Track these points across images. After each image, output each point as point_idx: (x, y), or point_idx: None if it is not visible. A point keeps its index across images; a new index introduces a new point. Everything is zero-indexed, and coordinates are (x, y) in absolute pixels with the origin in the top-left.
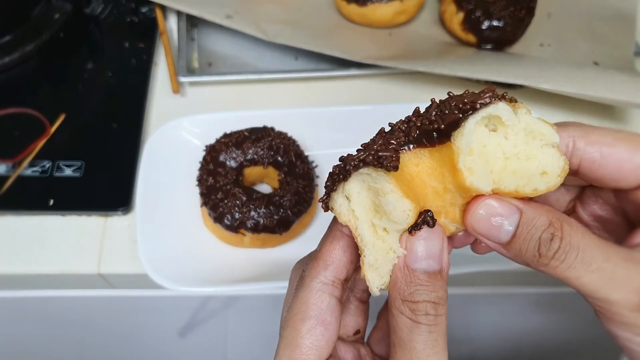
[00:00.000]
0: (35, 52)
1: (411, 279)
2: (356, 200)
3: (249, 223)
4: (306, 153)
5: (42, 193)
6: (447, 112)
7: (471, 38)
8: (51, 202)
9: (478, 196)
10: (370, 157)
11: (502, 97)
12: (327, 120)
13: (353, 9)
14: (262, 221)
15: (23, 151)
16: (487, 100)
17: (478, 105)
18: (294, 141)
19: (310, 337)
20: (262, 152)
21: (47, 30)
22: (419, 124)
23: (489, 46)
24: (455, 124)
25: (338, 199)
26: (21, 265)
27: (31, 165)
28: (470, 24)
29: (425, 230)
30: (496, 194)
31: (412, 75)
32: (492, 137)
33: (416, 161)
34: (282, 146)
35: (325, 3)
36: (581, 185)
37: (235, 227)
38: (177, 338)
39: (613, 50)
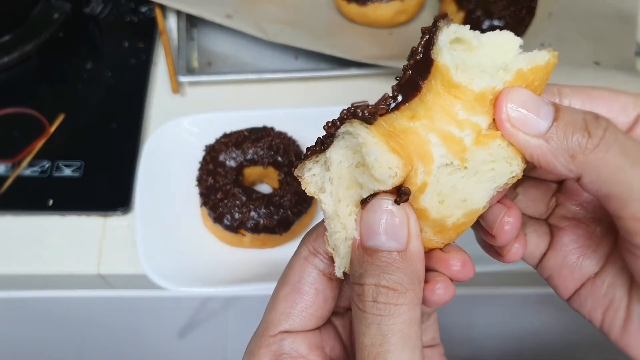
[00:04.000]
0: (34, 52)
1: (363, 257)
2: (335, 171)
3: (249, 223)
4: None
5: (42, 193)
6: (414, 48)
7: None
8: (50, 202)
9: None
10: (345, 111)
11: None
12: (327, 120)
13: (353, 9)
14: (262, 221)
15: (22, 151)
16: (442, 21)
17: (440, 24)
18: (294, 141)
19: (284, 303)
20: (262, 152)
21: (47, 30)
22: (399, 81)
23: None
24: (429, 45)
25: (313, 168)
26: (21, 265)
27: (30, 165)
28: (471, 23)
29: (384, 201)
30: None
31: None
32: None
33: (410, 113)
34: (282, 146)
35: (326, 3)
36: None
37: (235, 228)
38: (176, 339)
39: (614, 49)
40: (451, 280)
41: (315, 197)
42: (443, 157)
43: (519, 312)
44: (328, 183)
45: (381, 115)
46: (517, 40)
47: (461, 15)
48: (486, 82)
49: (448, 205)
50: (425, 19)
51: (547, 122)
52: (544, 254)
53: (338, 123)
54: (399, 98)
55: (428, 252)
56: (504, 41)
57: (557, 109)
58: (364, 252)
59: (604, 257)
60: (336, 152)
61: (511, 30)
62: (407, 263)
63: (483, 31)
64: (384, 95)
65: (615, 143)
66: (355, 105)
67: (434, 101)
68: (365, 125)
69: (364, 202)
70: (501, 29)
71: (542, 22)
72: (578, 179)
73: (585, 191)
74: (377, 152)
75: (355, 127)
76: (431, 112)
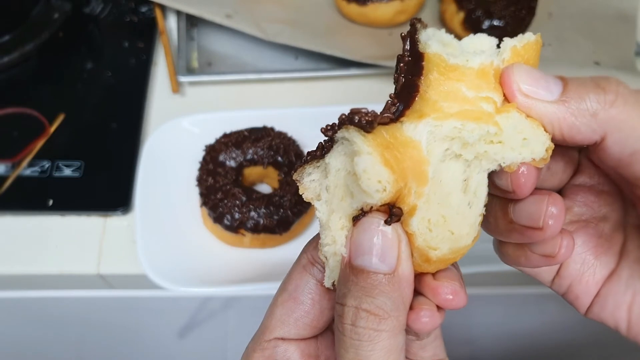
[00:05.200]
0: (34, 52)
1: (349, 276)
2: (332, 179)
3: (249, 223)
4: None
5: (42, 193)
6: (400, 55)
7: None
8: (50, 202)
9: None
10: (344, 116)
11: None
12: (327, 120)
13: (353, 9)
14: (262, 221)
15: (22, 151)
16: (419, 23)
17: (417, 25)
18: (294, 141)
19: (281, 309)
20: (262, 152)
21: (47, 29)
22: (395, 89)
23: None
24: (415, 43)
25: (313, 173)
26: (20, 265)
27: (30, 165)
28: (471, 23)
29: (375, 219)
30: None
31: None
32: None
33: (417, 114)
34: (282, 146)
35: (326, 2)
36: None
37: (235, 228)
38: (176, 339)
39: (614, 49)
40: (439, 308)
41: (312, 202)
42: (474, 131)
43: (519, 312)
44: (324, 191)
45: (383, 124)
46: (494, 40)
47: (461, 15)
48: (483, 58)
49: (436, 235)
50: (425, 19)
51: (558, 89)
52: (560, 266)
53: (336, 127)
54: (400, 106)
55: (418, 275)
56: (480, 42)
57: (562, 77)
58: (350, 271)
59: (617, 252)
60: (335, 159)
61: (511, 30)
62: (393, 287)
63: (483, 31)
64: (387, 102)
65: (632, 95)
66: (354, 110)
67: (437, 92)
68: (362, 132)
69: (355, 219)
70: (501, 29)
71: (542, 22)
72: (601, 142)
73: (606, 160)
74: (367, 162)
75: (352, 134)
76: (438, 104)
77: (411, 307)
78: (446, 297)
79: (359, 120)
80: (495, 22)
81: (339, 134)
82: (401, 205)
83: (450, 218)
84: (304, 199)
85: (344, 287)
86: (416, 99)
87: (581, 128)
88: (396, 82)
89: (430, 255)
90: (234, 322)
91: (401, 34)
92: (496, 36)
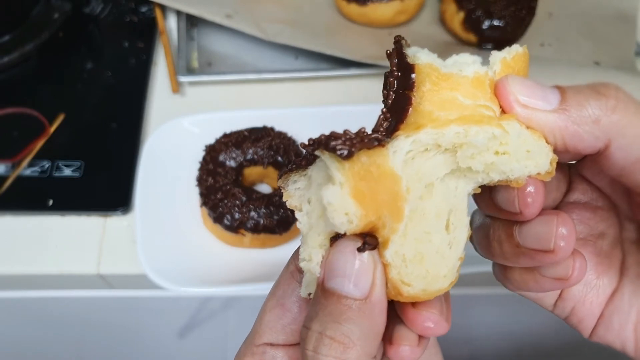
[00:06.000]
0: (34, 52)
1: (319, 298)
2: (314, 192)
3: (249, 223)
4: None
5: (42, 193)
6: (388, 73)
7: (472, 37)
8: (50, 202)
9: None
10: (322, 138)
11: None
12: (327, 120)
13: (353, 9)
14: (262, 221)
15: (22, 151)
16: (402, 40)
17: (402, 42)
18: (293, 141)
19: (269, 315)
20: (262, 152)
21: (47, 29)
22: (385, 105)
23: (489, 46)
24: (403, 57)
25: (299, 181)
26: (20, 265)
27: (30, 165)
28: (471, 23)
29: (351, 242)
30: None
31: None
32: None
33: (413, 126)
34: (282, 146)
35: (326, 2)
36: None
37: (235, 228)
38: (176, 339)
39: (614, 49)
40: (420, 336)
41: (295, 211)
42: (479, 134)
43: (518, 312)
44: (306, 203)
45: (368, 149)
46: (478, 58)
47: (461, 15)
48: (475, 68)
49: (411, 271)
50: (425, 19)
51: (556, 98)
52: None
53: (315, 146)
54: (393, 121)
55: (397, 302)
56: (464, 60)
57: (558, 87)
58: (321, 293)
59: (618, 270)
60: (317, 173)
61: (511, 30)
62: (363, 314)
63: (483, 31)
64: (379, 117)
65: (632, 103)
66: (335, 135)
67: (432, 103)
68: (338, 160)
69: (333, 239)
70: (501, 29)
71: (542, 22)
72: (605, 150)
73: (608, 168)
74: (335, 194)
75: (327, 158)
76: (434, 114)
77: (391, 341)
78: (425, 325)
79: (334, 148)
80: (495, 22)
81: (318, 153)
82: (377, 234)
83: (428, 256)
84: (288, 206)
85: (313, 309)
86: (409, 112)
87: (584, 136)
88: (386, 98)
89: (402, 291)
90: (234, 322)
91: (387, 51)
92: (496, 36)
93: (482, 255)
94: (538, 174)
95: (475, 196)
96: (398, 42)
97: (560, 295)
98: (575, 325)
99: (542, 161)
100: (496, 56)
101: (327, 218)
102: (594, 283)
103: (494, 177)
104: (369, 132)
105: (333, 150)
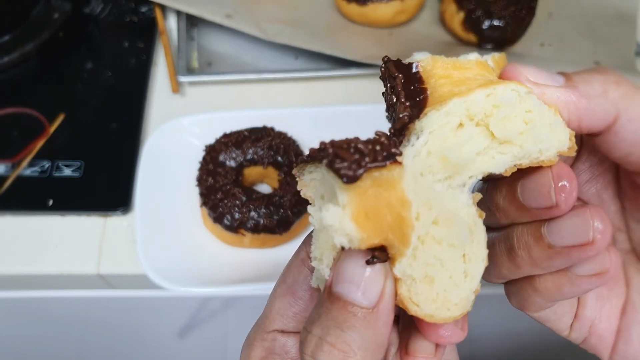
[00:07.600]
0: (34, 52)
1: (325, 301)
2: (327, 189)
3: (249, 223)
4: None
5: (42, 193)
6: (391, 81)
7: (472, 38)
8: (50, 202)
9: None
10: (331, 152)
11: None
12: (327, 120)
13: (353, 9)
14: (262, 221)
15: (22, 151)
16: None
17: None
18: (294, 141)
19: (280, 302)
20: (262, 152)
21: (47, 29)
22: (397, 113)
23: (489, 46)
24: (400, 64)
25: (315, 172)
26: (20, 265)
27: (30, 165)
28: (471, 23)
29: (361, 252)
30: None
31: None
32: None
33: (439, 106)
34: (282, 146)
35: (326, 2)
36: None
37: (235, 227)
38: (176, 339)
39: (614, 49)
40: (437, 345)
41: (310, 201)
42: (505, 91)
43: (519, 312)
44: (319, 198)
45: (378, 168)
46: (476, 54)
47: (461, 15)
48: (475, 56)
49: (421, 291)
50: (425, 19)
51: (561, 78)
52: (577, 308)
53: (321, 158)
54: (415, 109)
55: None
56: (463, 56)
57: (560, 72)
58: (327, 296)
59: (624, 281)
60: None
61: (511, 31)
62: (367, 323)
63: (483, 31)
64: (399, 108)
65: (629, 82)
66: (341, 154)
67: (447, 85)
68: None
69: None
70: (501, 29)
71: (542, 22)
72: (613, 125)
73: (618, 146)
74: (334, 217)
75: (331, 176)
76: (455, 90)
77: (407, 352)
78: (440, 333)
79: (338, 171)
80: (495, 22)
81: (324, 165)
82: (387, 249)
83: (439, 280)
84: (302, 196)
85: (316, 311)
86: (428, 99)
87: (596, 109)
88: (397, 97)
89: (409, 308)
90: (234, 322)
91: (381, 67)
92: (496, 36)
93: (499, 277)
94: (561, 150)
95: (495, 207)
96: (388, 60)
97: (576, 315)
98: (594, 346)
99: (563, 136)
100: (487, 56)
101: None
102: (606, 295)
103: (529, 150)
104: (387, 132)
105: (337, 172)
